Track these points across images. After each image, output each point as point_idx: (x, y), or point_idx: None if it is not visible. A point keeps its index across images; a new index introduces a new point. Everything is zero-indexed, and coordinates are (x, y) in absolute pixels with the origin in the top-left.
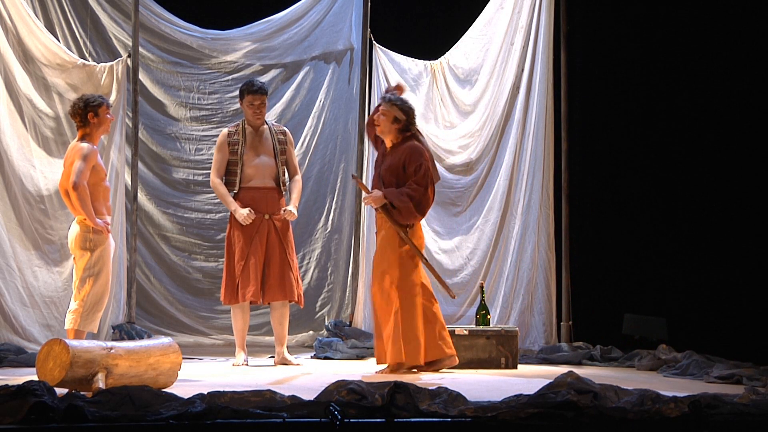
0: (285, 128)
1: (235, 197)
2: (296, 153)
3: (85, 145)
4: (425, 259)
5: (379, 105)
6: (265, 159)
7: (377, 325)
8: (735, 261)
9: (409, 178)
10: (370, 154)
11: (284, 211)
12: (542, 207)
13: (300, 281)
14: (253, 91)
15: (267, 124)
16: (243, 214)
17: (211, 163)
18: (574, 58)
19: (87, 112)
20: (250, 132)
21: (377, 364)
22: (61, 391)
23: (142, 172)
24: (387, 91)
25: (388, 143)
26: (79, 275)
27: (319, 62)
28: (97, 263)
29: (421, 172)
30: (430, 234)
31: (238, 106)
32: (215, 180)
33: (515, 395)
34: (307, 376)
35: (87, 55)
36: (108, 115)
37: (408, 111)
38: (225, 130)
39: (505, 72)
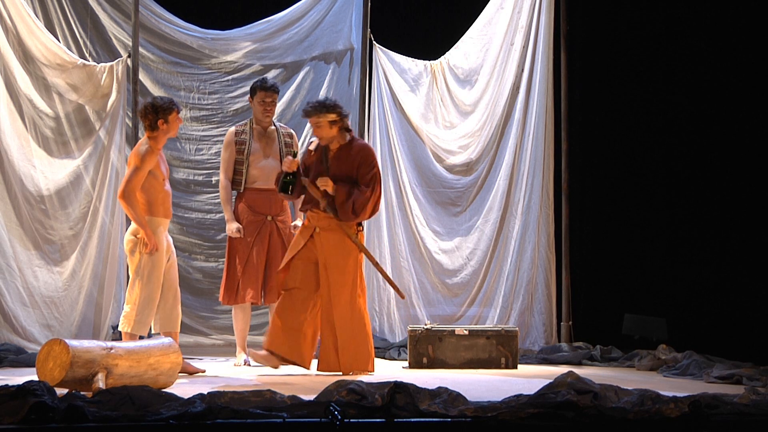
0: (291, 131)
1: (240, 197)
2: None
3: (143, 148)
4: (375, 260)
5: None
6: (271, 161)
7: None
8: (735, 261)
9: (361, 180)
10: None
11: (294, 227)
12: (542, 207)
13: None
14: (266, 88)
15: (275, 124)
16: (232, 228)
17: (211, 163)
18: (574, 58)
19: (158, 119)
20: (259, 131)
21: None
22: (61, 391)
23: None
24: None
25: (335, 146)
26: (131, 277)
27: (319, 62)
28: (146, 265)
29: (369, 176)
30: (430, 234)
31: (238, 106)
32: (224, 182)
33: (515, 395)
34: (307, 376)
35: (87, 55)
36: (177, 120)
37: (335, 107)
38: (232, 129)
39: (505, 72)
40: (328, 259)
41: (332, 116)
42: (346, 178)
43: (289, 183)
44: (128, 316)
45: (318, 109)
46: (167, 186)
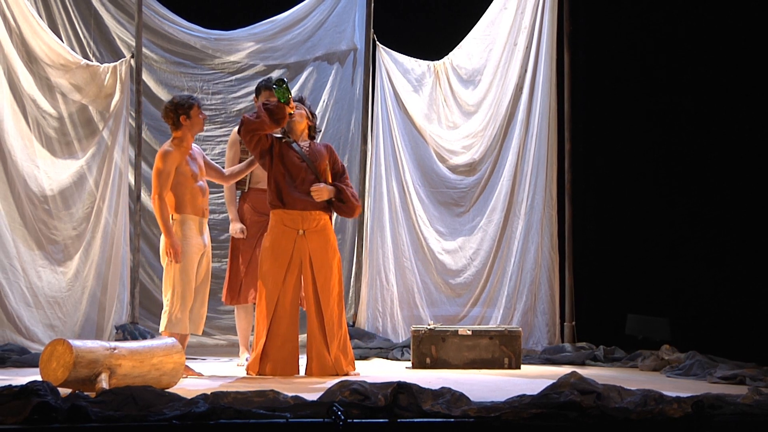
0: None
1: (244, 197)
2: None
3: (164, 149)
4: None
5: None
6: None
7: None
8: (738, 261)
9: (337, 175)
10: (373, 154)
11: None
12: (545, 207)
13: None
14: (271, 87)
15: None
16: (236, 228)
17: (215, 163)
18: (577, 59)
19: (179, 115)
20: None
21: (318, 376)
22: (64, 391)
23: (145, 172)
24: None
25: (305, 144)
26: (164, 277)
27: (323, 63)
28: (177, 268)
29: (341, 164)
30: (433, 234)
31: (241, 106)
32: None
33: (518, 396)
34: (309, 377)
35: (90, 56)
36: (200, 115)
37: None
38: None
39: (508, 72)
40: (316, 262)
41: (306, 110)
42: (321, 170)
43: (287, 89)
44: (165, 316)
45: (301, 101)
46: (199, 183)
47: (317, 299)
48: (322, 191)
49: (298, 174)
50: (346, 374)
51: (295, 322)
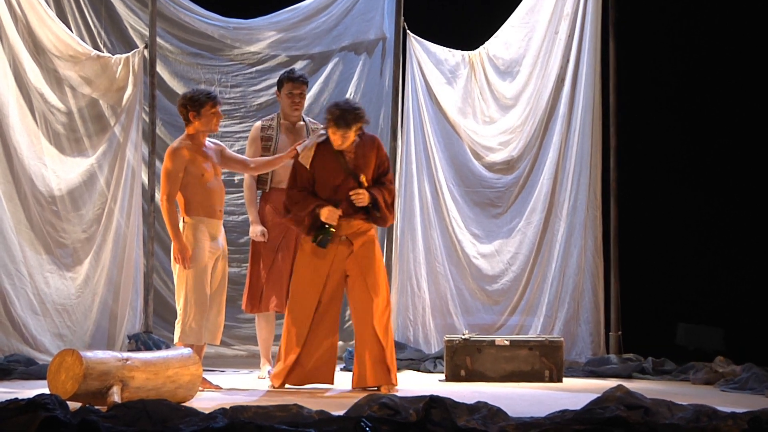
0: (322, 127)
1: (265, 198)
2: None
3: (174, 146)
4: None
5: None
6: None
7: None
8: None
9: (381, 176)
10: (403, 151)
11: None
12: (589, 208)
13: None
14: (294, 79)
15: (304, 119)
16: (256, 231)
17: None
18: (624, 48)
19: (188, 112)
20: (287, 127)
21: (357, 386)
22: (73, 405)
23: (159, 171)
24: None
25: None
26: (176, 285)
27: (349, 53)
28: (188, 271)
29: (390, 172)
30: (468, 237)
31: (262, 100)
32: (248, 181)
33: (560, 411)
34: (336, 390)
35: (101, 47)
36: (213, 113)
37: (363, 113)
38: (258, 123)
39: (549, 63)
40: (364, 267)
41: (361, 124)
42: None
43: (328, 237)
44: (178, 326)
45: (355, 119)
46: (211, 184)
47: (368, 302)
48: (364, 196)
49: (344, 185)
50: (393, 385)
51: (335, 330)
